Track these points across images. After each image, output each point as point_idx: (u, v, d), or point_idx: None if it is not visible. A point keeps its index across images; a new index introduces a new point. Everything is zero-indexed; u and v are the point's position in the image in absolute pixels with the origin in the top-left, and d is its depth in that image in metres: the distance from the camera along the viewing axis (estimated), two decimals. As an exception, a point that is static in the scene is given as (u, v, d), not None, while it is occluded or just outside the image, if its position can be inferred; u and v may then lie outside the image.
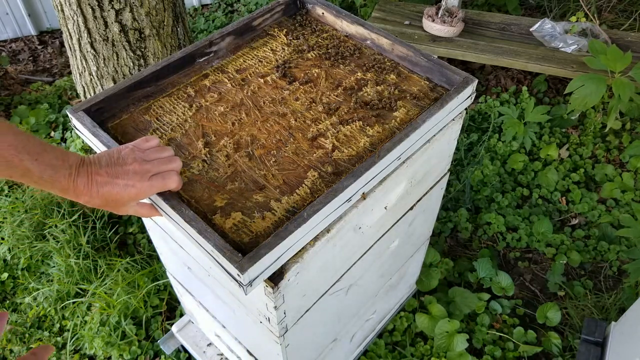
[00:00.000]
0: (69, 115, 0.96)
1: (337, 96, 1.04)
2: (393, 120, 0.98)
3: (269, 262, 0.75)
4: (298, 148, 0.94)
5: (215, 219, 0.83)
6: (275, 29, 1.20)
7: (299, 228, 0.77)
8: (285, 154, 0.93)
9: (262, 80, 1.07)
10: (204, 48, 1.10)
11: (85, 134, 0.94)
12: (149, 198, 0.84)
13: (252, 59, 1.12)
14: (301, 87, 1.05)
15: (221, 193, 0.87)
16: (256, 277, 0.74)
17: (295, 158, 0.93)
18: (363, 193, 0.89)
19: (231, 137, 0.96)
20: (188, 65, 1.10)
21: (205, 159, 0.93)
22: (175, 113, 1.01)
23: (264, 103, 1.03)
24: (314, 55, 1.13)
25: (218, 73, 1.09)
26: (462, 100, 1.01)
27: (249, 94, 1.05)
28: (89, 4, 1.72)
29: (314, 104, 1.02)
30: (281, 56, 1.13)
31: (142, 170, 0.77)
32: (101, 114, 0.98)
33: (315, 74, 1.08)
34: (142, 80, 1.03)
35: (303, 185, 0.87)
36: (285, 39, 1.17)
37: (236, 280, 0.74)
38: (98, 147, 0.92)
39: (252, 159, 0.93)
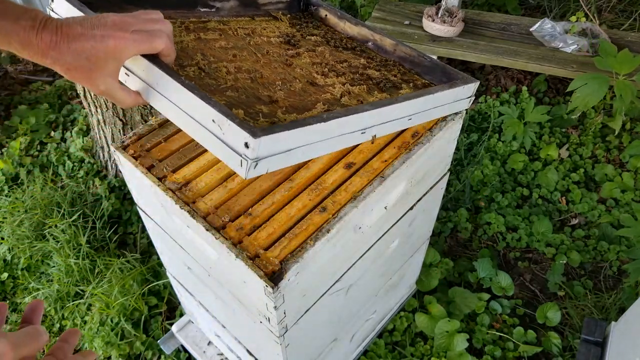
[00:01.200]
0: None
1: (342, 67, 1.01)
2: (399, 95, 0.96)
3: (281, 146, 0.66)
4: (305, 88, 0.86)
5: None
6: (279, 13, 1.18)
7: (318, 124, 0.68)
8: (291, 88, 0.84)
9: (265, 39, 1.01)
10: None
11: (70, 12, 0.80)
12: (134, 74, 0.71)
13: (255, 25, 1.09)
14: (306, 52, 1.02)
15: (219, 96, 0.74)
16: (264, 158, 0.64)
17: (302, 93, 0.85)
18: (374, 135, 0.82)
19: (232, 63, 0.87)
20: (188, 8, 1.01)
21: (203, 67, 0.80)
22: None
23: (267, 52, 0.97)
24: (317, 39, 1.12)
25: (219, 24, 1.02)
26: (467, 95, 1.00)
27: (252, 44, 0.98)
28: (89, 4, 1.71)
29: (319, 65, 0.98)
30: (284, 31, 1.11)
31: (122, 22, 0.65)
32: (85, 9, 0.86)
33: (320, 50, 1.06)
34: None
35: (312, 111, 0.79)
36: (288, 22, 1.16)
37: (240, 156, 0.63)
38: None
39: (255, 82, 0.82)
